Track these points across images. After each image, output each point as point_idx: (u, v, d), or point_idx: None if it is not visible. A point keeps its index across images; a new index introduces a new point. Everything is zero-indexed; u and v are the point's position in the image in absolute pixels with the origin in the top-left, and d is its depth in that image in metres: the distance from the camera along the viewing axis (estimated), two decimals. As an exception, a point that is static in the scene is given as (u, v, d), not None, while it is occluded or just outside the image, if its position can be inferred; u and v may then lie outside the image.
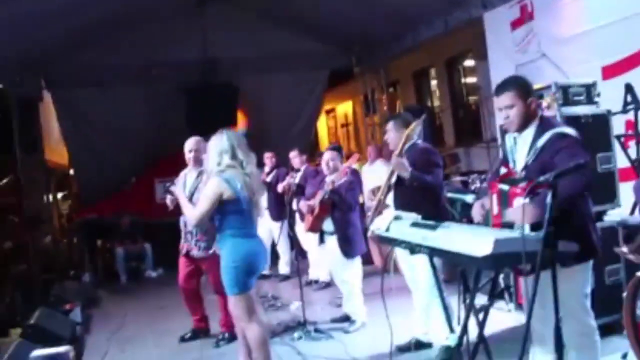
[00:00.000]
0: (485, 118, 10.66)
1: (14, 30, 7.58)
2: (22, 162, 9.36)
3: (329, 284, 7.40)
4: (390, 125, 4.78)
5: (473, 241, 2.73)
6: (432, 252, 3.10)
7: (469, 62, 11.77)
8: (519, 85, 3.32)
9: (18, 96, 9.37)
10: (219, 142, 4.08)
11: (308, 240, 7.03)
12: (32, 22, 7.69)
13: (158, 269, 10.13)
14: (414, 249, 3.22)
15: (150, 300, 8.30)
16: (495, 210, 3.20)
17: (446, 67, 12.21)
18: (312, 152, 11.28)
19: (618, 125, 5.71)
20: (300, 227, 7.03)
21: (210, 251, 5.40)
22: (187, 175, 5.63)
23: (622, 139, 5.63)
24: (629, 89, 6.46)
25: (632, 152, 5.51)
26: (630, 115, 5.79)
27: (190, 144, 5.57)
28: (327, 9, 9.63)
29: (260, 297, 6.93)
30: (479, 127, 11.26)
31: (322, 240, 5.75)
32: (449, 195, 4.42)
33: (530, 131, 3.27)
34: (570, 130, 3.22)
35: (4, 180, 10.22)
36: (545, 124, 3.27)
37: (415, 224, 3.25)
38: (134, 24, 9.90)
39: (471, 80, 11.97)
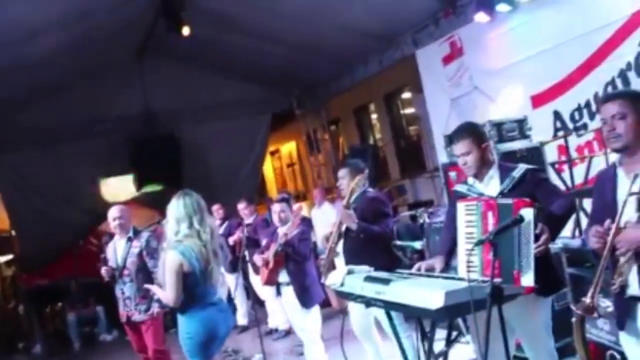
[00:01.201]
0: (427, 148, 10.92)
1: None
2: None
3: (288, 332, 7.37)
4: (343, 173, 4.85)
5: (425, 294, 2.81)
6: (387, 305, 3.17)
7: (407, 95, 12.08)
8: (473, 132, 3.50)
9: None
10: (177, 209, 4.04)
11: (264, 289, 7.01)
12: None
13: (113, 331, 9.84)
14: (369, 302, 3.28)
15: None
16: (491, 228, 3.19)
17: (385, 101, 12.49)
18: (260, 196, 11.31)
19: (550, 152, 6.00)
20: (255, 278, 7.00)
21: (150, 311, 5.42)
22: (116, 244, 5.60)
23: (556, 166, 5.90)
24: (557, 115, 6.82)
25: (566, 175, 5.76)
26: (561, 141, 6.08)
27: (113, 212, 5.53)
28: (264, 54, 9.77)
29: (221, 352, 6.83)
30: (422, 158, 11.51)
31: (279, 292, 5.74)
32: (399, 243, 4.50)
33: (493, 172, 3.47)
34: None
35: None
36: (503, 164, 3.57)
37: (368, 278, 3.31)
38: (74, 83, 9.84)
39: (410, 111, 12.27)
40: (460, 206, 3.48)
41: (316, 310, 5.67)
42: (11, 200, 10.70)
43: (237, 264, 7.27)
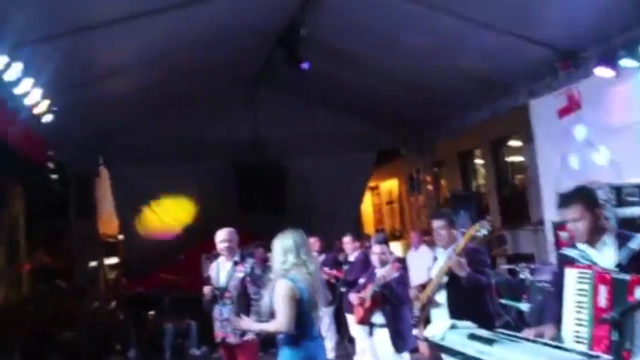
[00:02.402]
0: (533, 199, 10.57)
1: (77, 114, 8.06)
2: (75, 228, 9.80)
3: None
4: (440, 224, 4.79)
5: (531, 363, 2.72)
6: (489, 367, 3.08)
7: (515, 142, 11.80)
8: (585, 198, 3.38)
9: (76, 171, 10.01)
10: (284, 241, 4.16)
11: (356, 327, 7.00)
12: (93, 107, 8.18)
13: (202, 347, 10.11)
14: (469, 360, 3.21)
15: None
16: (604, 302, 3.09)
17: (491, 148, 12.26)
18: (357, 232, 11.33)
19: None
20: (349, 315, 7.03)
21: (246, 337, 5.42)
22: (220, 266, 5.72)
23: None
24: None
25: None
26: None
27: (222, 235, 5.66)
28: (376, 91, 9.91)
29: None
30: (525, 209, 11.14)
31: (371, 333, 5.74)
32: (504, 302, 4.35)
33: (607, 239, 3.31)
34: None
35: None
36: (621, 232, 3.39)
37: (472, 336, 3.25)
38: (187, 104, 10.41)
39: (517, 159, 11.96)
40: (571, 272, 3.35)
41: (407, 356, 5.61)
42: (122, 210, 11.39)
43: (333, 298, 7.31)
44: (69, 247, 10.39)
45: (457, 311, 4.28)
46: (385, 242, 5.92)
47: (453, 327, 3.47)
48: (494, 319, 4.26)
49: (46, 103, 6.41)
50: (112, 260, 13.96)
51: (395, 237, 15.61)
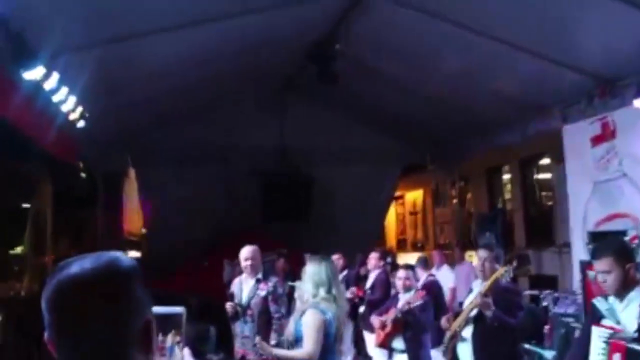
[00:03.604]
0: (559, 221, 10.44)
1: (108, 117, 8.17)
2: (101, 223, 9.97)
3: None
4: (485, 254, 4.76)
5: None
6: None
7: (544, 161, 11.65)
8: (617, 251, 3.34)
9: (105, 170, 10.23)
10: (317, 272, 4.17)
11: (373, 349, 6.99)
12: (124, 110, 8.28)
13: (219, 353, 10.13)
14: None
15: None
16: None
17: (520, 166, 12.12)
18: (378, 244, 11.31)
19: None
20: (368, 335, 7.02)
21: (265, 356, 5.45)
22: (243, 283, 5.75)
23: None
24: None
25: None
26: None
27: (246, 252, 5.67)
28: (405, 107, 9.87)
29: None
30: (551, 230, 11.01)
31: (390, 357, 5.72)
32: (527, 347, 4.32)
33: (634, 295, 3.27)
34: None
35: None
36: None
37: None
38: (214, 109, 10.48)
39: (545, 176, 11.80)
40: (595, 330, 3.33)
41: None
42: (146, 210, 11.51)
43: (354, 315, 7.31)
44: (94, 240, 10.54)
45: (480, 348, 4.27)
46: (410, 268, 5.87)
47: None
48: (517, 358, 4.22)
49: (79, 110, 6.50)
50: (135, 254, 14.14)
51: (416, 248, 15.54)
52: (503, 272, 4.49)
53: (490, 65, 7.83)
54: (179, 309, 1.34)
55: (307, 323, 4.06)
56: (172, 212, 11.41)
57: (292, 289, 5.52)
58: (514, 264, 4.88)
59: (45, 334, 1.20)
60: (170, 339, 1.40)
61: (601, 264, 3.32)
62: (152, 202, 11.50)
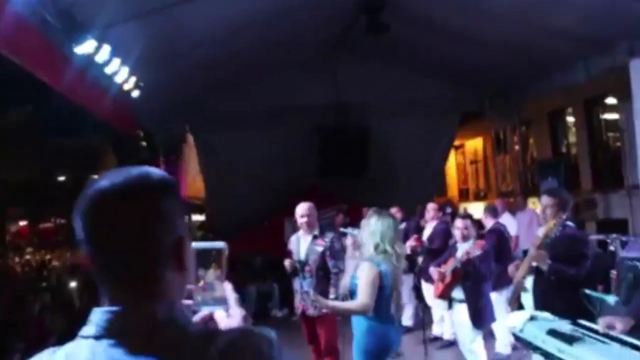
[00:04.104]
0: (627, 162, 10.02)
1: (163, 85, 8.32)
2: None
3: (452, 343, 7.25)
4: (549, 201, 4.53)
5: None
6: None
7: (611, 100, 11.13)
8: None
9: (164, 137, 10.47)
10: (384, 226, 4.17)
11: (433, 299, 6.99)
12: (178, 77, 8.40)
13: (284, 309, 10.36)
14: (547, 357, 3.15)
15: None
16: None
17: (584, 107, 11.63)
18: (439, 193, 11.17)
19: None
20: (426, 285, 7.04)
21: (326, 310, 5.42)
22: (301, 240, 5.77)
23: None
24: None
25: None
26: None
27: (302, 209, 5.67)
28: (460, 53, 9.57)
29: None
30: (619, 171, 10.59)
31: (450, 307, 5.71)
32: (589, 292, 4.19)
33: None
34: None
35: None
36: None
37: (552, 332, 3.18)
38: (267, 71, 10.47)
39: (611, 117, 11.29)
40: None
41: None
42: (207, 175, 11.77)
43: (410, 265, 7.30)
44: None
45: (541, 300, 4.19)
46: (469, 217, 5.80)
47: (532, 318, 3.41)
48: (581, 312, 4.08)
49: (133, 80, 6.64)
50: (199, 218, 14.55)
51: (479, 197, 15.30)
52: (552, 227, 4.31)
53: (547, 1, 7.46)
54: (220, 244, 1.34)
55: (362, 276, 4.09)
56: (232, 176, 11.62)
57: (344, 235, 5.50)
58: (571, 213, 4.65)
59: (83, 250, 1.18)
60: (211, 274, 1.39)
61: None
62: (212, 166, 11.73)
